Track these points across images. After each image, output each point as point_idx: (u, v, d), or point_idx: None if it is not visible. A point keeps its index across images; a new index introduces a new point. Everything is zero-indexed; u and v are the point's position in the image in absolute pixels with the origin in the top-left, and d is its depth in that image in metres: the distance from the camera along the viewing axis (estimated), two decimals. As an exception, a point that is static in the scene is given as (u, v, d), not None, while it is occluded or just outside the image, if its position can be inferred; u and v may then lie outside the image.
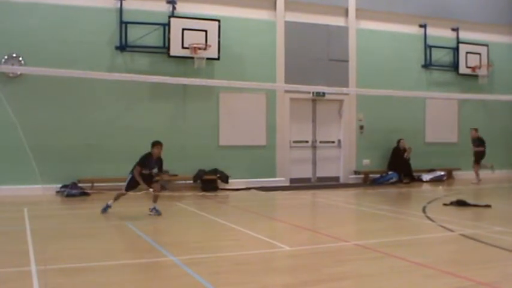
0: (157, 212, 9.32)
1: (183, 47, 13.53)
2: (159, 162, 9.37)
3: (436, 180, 16.20)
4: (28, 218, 8.89)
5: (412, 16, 16.87)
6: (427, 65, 17.08)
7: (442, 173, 16.58)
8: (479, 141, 15.90)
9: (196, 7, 14.13)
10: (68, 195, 12.06)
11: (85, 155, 12.94)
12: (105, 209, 9.43)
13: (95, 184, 12.78)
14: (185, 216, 9.92)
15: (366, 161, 16.23)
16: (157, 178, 9.56)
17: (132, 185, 9.36)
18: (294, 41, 15.24)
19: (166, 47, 13.63)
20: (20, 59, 12.53)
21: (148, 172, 9.31)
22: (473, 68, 17.33)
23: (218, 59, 13.93)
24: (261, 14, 14.99)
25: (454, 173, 17.23)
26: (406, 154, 15.99)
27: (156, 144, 9.33)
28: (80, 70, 10.13)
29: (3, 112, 6.16)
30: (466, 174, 17.09)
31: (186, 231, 8.20)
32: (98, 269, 5.69)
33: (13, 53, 12.49)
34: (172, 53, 13.55)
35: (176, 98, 13.88)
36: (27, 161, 5.68)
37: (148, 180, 9.31)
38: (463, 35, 17.48)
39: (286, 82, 14.83)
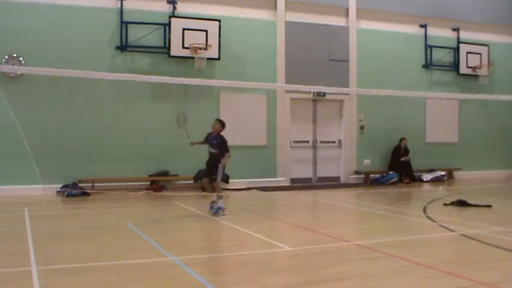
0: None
1: (183, 47, 13.53)
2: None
3: (437, 180, 16.20)
4: (28, 218, 8.88)
5: (413, 16, 16.86)
6: (428, 65, 17.06)
7: (443, 173, 16.57)
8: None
9: (197, 7, 14.12)
10: (69, 195, 12.06)
11: (86, 155, 12.94)
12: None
13: (96, 184, 12.78)
14: (185, 216, 9.90)
15: (366, 161, 16.22)
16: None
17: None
18: (294, 41, 15.23)
19: (166, 47, 13.63)
20: (21, 59, 12.53)
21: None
22: (474, 68, 17.32)
23: (219, 59, 13.93)
24: (261, 14, 14.99)
25: (455, 173, 17.21)
26: (405, 158, 15.97)
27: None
28: (81, 70, 10.11)
29: (3, 112, 6.17)
30: (466, 174, 17.10)
31: (186, 231, 8.20)
32: (98, 269, 5.69)
33: (13, 53, 12.49)
34: (172, 53, 13.55)
35: (177, 98, 13.87)
36: (28, 161, 5.70)
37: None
38: (464, 35, 17.47)
39: (286, 82, 14.82)
